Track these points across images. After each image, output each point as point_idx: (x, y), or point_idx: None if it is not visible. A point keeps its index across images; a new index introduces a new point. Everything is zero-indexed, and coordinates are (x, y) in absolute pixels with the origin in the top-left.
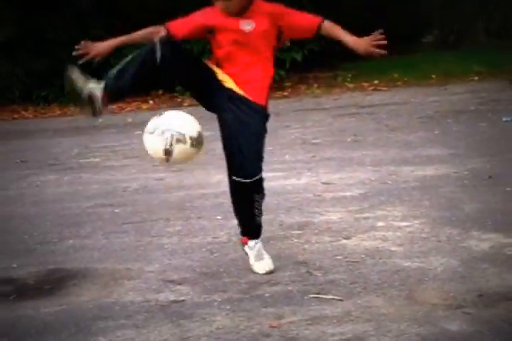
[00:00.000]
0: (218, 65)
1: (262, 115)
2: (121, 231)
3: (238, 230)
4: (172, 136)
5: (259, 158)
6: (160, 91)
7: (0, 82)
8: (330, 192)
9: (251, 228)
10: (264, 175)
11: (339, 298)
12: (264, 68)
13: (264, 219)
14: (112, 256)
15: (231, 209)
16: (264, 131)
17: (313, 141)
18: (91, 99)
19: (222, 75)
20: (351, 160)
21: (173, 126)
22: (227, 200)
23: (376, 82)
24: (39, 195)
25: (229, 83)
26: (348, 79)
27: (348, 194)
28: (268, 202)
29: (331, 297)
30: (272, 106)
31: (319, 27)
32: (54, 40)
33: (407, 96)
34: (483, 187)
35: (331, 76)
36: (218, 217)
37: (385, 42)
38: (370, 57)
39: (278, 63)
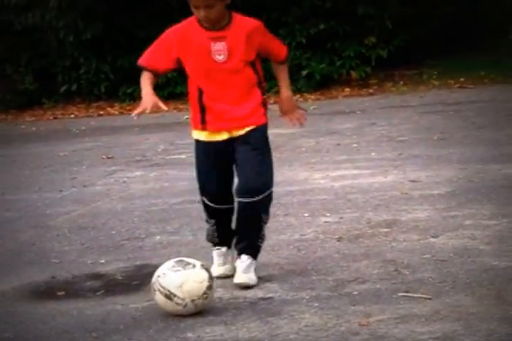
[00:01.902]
0: (200, 92)
1: (264, 133)
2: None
3: (318, 228)
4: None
5: (261, 174)
6: None
7: (87, 79)
8: (417, 190)
9: (250, 247)
10: (349, 172)
11: (428, 296)
12: (246, 92)
13: (352, 216)
14: (199, 253)
15: (318, 206)
16: (264, 145)
17: (400, 138)
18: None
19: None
20: (438, 158)
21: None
22: (314, 197)
23: (462, 79)
24: (126, 191)
25: (223, 135)
26: (434, 77)
27: (435, 192)
28: (355, 200)
29: (419, 295)
30: (358, 103)
31: (283, 61)
32: (141, 37)
33: (494, 93)
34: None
35: (417, 73)
36: (305, 215)
37: (301, 122)
38: (285, 115)
39: (363, 60)
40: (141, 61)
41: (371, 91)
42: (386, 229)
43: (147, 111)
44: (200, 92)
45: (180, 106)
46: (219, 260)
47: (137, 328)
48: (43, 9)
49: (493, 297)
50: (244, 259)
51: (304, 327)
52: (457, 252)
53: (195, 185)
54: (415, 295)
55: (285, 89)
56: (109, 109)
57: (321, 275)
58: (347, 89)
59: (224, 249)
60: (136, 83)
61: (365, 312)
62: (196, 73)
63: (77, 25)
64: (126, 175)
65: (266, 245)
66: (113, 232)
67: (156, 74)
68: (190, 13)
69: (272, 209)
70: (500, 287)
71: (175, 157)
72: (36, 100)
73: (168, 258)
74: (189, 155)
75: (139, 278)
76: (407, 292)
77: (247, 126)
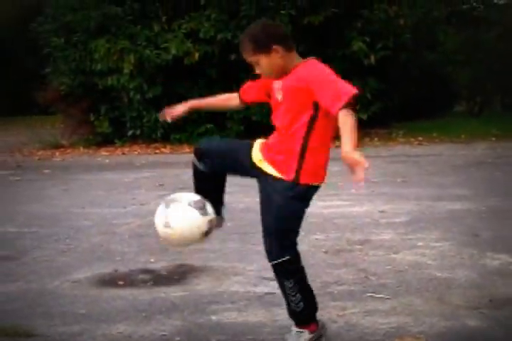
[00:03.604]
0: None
1: (286, 192)
2: (230, 239)
3: (310, 243)
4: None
5: (281, 238)
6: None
7: (148, 126)
8: (384, 218)
9: (295, 316)
10: (334, 203)
11: (388, 296)
12: (297, 138)
13: (335, 235)
14: (223, 258)
15: (311, 227)
16: (289, 209)
17: (373, 179)
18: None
19: (255, 152)
20: (400, 195)
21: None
22: (307, 220)
23: (420, 138)
24: None
25: (259, 162)
26: (400, 135)
27: (397, 220)
28: (338, 223)
29: (381, 296)
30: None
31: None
32: (189, 97)
33: (443, 150)
34: (497, 219)
35: (387, 132)
36: (301, 233)
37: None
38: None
39: None
40: (242, 88)
41: None
42: (360, 246)
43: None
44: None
45: None
46: None
47: (175, 311)
48: (119, 75)
49: (436, 299)
50: (293, 330)
51: None
52: (411, 265)
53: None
54: (379, 296)
55: (348, 145)
56: (162, 149)
57: (311, 278)
58: (337, 143)
59: None
60: (183, 131)
61: (341, 306)
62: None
63: (142, 88)
64: None
65: None
66: (160, 239)
67: None
68: (226, 80)
69: None
70: (441, 292)
71: None
72: (110, 140)
73: (200, 261)
74: None
75: (178, 274)
76: (373, 292)
77: (278, 168)
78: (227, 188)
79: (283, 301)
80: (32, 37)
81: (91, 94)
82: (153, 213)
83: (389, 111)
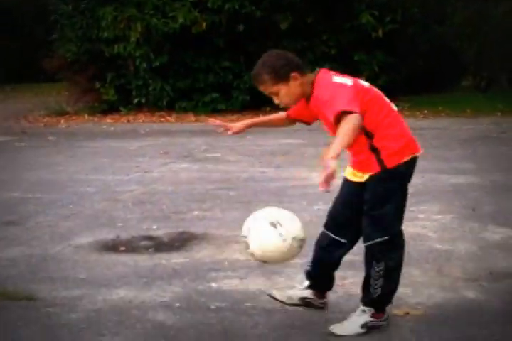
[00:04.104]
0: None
1: (376, 181)
2: (232, 208)
3: (312, 213)
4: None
5: (376, 223)
6: (268, 108)
7: (153, 95)
8: None
9: (368, 297)
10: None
11: None
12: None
13: None
14: (225, 226)
15: (314, 197)
16: (383, 195)
17: None
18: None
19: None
20: None
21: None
22: (311, 191)
23: (426, 111)
24: (175, 177)
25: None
26: (406, 108)
27: None
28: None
29: None
30: None
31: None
32: (195, 67)
33: (448, 124)
34: (499, 193)
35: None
36: (304, 202)
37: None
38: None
39: None
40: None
41: None
42: None
43: (229, 133)
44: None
45: (231, 117)
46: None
47: (175, 277)
48: (125, 42)
49: (435, 271)
50: (358, 310)
51: (296, 283)
52: (412, 237)
53: (226, 176)
54: None
55: (333, 148)
56: (168, 117)
57: (311, 246)
58: None
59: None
60: (188, 100)
61: (342, 276)
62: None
63: (149, 56)
64: (176, 166)
65: None
66: (163, 207)
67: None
68: (234, 50)
69: (280, 198)
70: (440, 264)
71: (213, 155)
72: (115, 108)
73: (202, 228)
74: (223, 154)
75: (180, 241)
76: None
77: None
78: (231, 157)
79: (283, 269)
80: (40, 4)
81: (97, 61)
82: (156, 181)
83: (396, 85)
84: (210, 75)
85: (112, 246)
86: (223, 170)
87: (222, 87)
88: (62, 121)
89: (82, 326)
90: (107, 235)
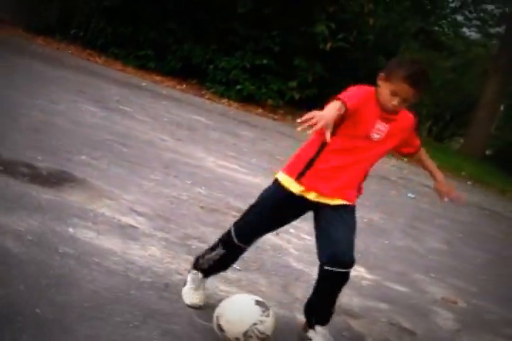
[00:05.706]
0: (320, 149)
1: (352, 211)
2: (119, 165)
3: (196, 200)
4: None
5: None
6: (194, 81)
7: (92, 33)
8: None
9: (326, 318)
10: (231, 166)
11: (239, 268)
12: (358, 169)
13: (218, 196)
14: (105, 178)
15: (201, 179)
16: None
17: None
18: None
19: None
20: None
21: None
22: (201, 172)
23: None
24: (79, 117)
25: (310, 195)
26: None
27: None
28: (227, 186)
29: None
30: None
31: (418, 150)
32: (144, 18)
33: None
34: (364, 231)
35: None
36: (188, 182)
37: (463, 201)
38: (448, 196)
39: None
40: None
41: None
42: (236, 213)
43: (314, 123)
44: (321, 149)
45: (156, 77)
46: (192, 284)
47: (38, 212)
48: None
49: (280, 285)
50: (319, 330)
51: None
52: (274, 248)
53: (126, 133)
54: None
55: (439, 173)
56: (97, 58)
57: (176, 226)
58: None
59: (200, 275)
60: (123, 48)
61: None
62: (343, 137)
63: None
64: (85, 106)
65: (151, 191)
66: (54, 141)
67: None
68: (183, 16)
69: (168, 171)
70: (288, 281)
71: (123, 107)
72: (51, 32)
73: (83, 174)
74: (133, 110)
75: (57, 179)
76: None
77: (340, 198)
78: (139, 116)
79: (141, 237)
80: None
81: None
82: (59, 114)
83: (324, 98)
84: (152, 31)
85: None
86: (127, 125)
87: (160, 48)
88: None
89: None
90: None
